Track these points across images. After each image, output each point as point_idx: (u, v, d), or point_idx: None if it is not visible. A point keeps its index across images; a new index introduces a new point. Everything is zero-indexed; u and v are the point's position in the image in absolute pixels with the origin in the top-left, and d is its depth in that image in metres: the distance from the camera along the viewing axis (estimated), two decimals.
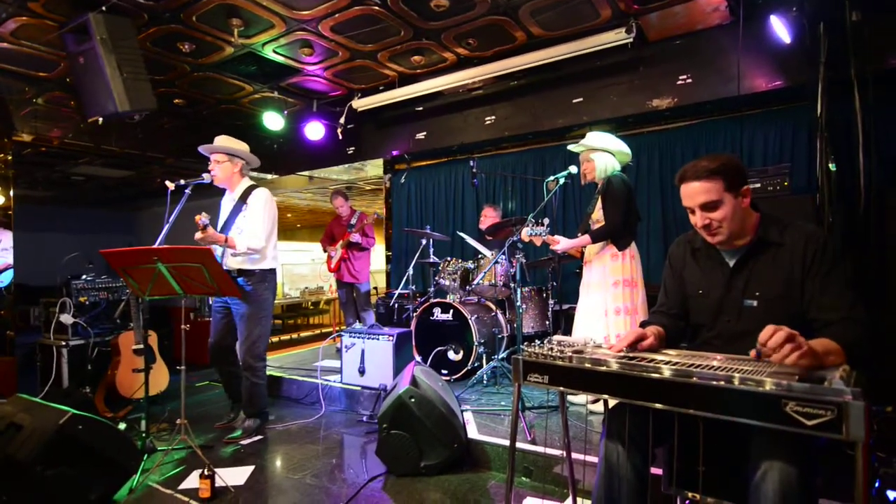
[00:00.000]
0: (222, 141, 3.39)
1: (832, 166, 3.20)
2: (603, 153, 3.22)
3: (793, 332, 1.29)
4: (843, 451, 1.28)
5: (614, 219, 3.10)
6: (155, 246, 2.76)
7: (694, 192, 1.62)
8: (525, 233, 3.22)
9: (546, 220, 3.20)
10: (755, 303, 1.63)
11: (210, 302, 4.85)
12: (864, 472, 1.08)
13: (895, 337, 2.82)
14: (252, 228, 3.26)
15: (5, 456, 2.29)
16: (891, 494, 1.87)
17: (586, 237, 3.19)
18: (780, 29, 3.36)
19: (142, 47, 3.64)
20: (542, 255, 4.46)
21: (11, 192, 4.54)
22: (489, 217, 4.80)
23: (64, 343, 4.02)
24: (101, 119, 3.52)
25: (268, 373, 4.48)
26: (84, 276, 4.26)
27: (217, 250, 3.30)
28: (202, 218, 3.03)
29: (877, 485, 1.91)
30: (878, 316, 2.96)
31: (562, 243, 3.22)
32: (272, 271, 3.41)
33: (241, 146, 3.41)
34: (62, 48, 3.55)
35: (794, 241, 1.60)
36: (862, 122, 3.09)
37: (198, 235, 3.07)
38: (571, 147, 3.37)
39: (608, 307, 3.10)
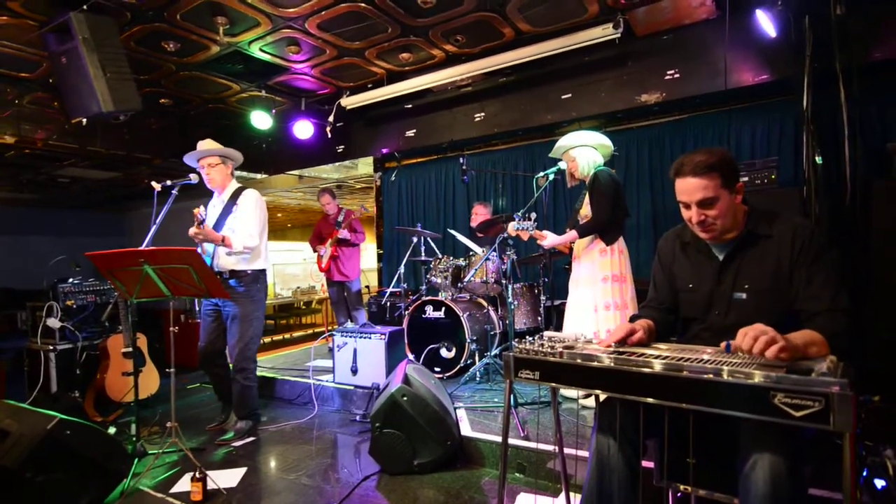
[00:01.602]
0: (209, 144, 3.35)
1: (818, 159, 3.23)
2: (584, 148, 3.23)
3: (765, 331, 1.29)
4: (831, 440, 1.29)
5: (601, 213, 3.11)
6: (142, 248, 2.73)
7: (692, 189, 1.60)
8: (511, 227, 3.21)
9: (533, 215, 3.20)
10: (745, 296, 1.64)
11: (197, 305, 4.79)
12: (851, 462, 1.09)
13: (881, 327, 2.86)
14: (245, 228, 3.24)
15: None
16: (878, 483, 1.90)
17: (573, 233, 3.20)
18: (765, 23, 3.38)
19: (125, 46, 3.59)
20: (533, 252, 4.47)
21: None
22: (480, 214, 4.79)
23: (51, 347, 3.96)
24: (85, 120, 3.47)
25: (260, 374, 4.48)
26: (71, 280, 4.20)
27: (209, 250, 3.27)
28: (200, 212, 2.99)
29: (864, 474, 1.94)
30: (864, 306, 2.99)
31: (549, 238, 3.22)
32: (263, 272, 3.40)
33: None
34: (44, 48, 3.50)
35: (781, 233, 1.61)
36: (847, 115, 3.12)
37: (192, 231, 3.02)
38: (551, 154, 3.39)
39: (598, 302, 3.11)
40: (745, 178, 3.35)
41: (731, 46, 3.65)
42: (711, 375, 1.22)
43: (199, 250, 3.27)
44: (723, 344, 1.39)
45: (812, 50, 3.18)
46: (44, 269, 4.28)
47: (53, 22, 3.23)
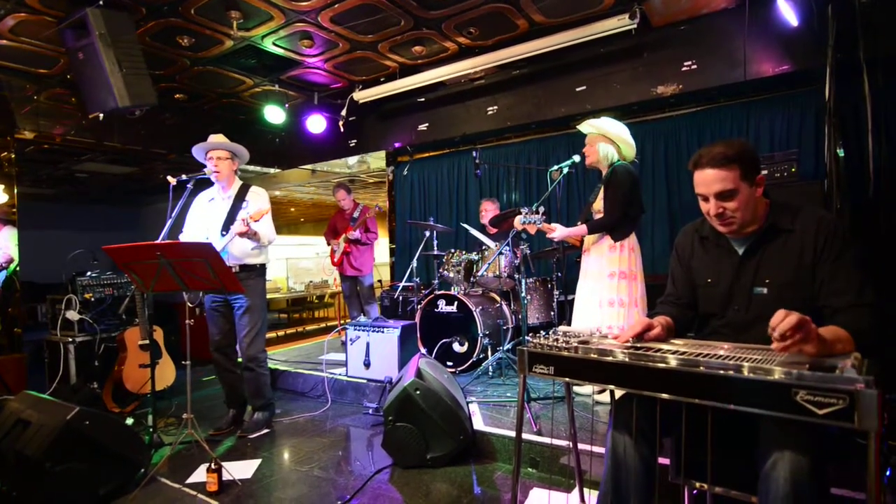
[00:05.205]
0: (220, 138, 3.38)
1: (841, 151, 3.15)
2: (606, 142, 3.17)
3: (804, 319, 1.26)
4: (854, 438, 1.26)
5: (613, 210, 3.05)
6: (158, 241, 2.76)
7: (710, 180, 1.58)
8: (518, 221, 3.16)
9: (541, 209, 3.16)
10: (765, 290, 1.60)
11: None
12: (876, 461, 1.06)
13: None
14: (264, 224, 3.29)
15: (14, 452, 2.31)
16: None
17: (583, 227, 3.15)
18: (787, 12, 3.30)
19: (141, 42, 3.62)
20: (546, 246, 4.44)
21: (15, 190, 4.54)
22: (489, 210, 4.77)
23: (71, 339, 4.03)
24: (101, 115, 3.51)
25: (273, 366, 4.52)
26: (89, 273, 4.27)
27: (219, 244, 3.30)
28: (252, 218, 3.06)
29: (888, 473, 1.89)
30: (889, 301, 2.92)
31: (558, 231, 3.18)
32: (265, 265, 3.49)
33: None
34: (61, 44, 3.53)
35: (804, 226, 1.57)
36: (871, 107, 3.04)
37: (241, 229, 3.05)
38: (580, 126, 3.32)
39: (602, 298, 3.06)
40: (765, 171, 3.28)
41: (751, 36, 3.57)
42: (731, 371, 1.19)
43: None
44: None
45: (835, 40, 3.10)
46: (62, 263, 4.34)
47: (71, 18, 3.26)
